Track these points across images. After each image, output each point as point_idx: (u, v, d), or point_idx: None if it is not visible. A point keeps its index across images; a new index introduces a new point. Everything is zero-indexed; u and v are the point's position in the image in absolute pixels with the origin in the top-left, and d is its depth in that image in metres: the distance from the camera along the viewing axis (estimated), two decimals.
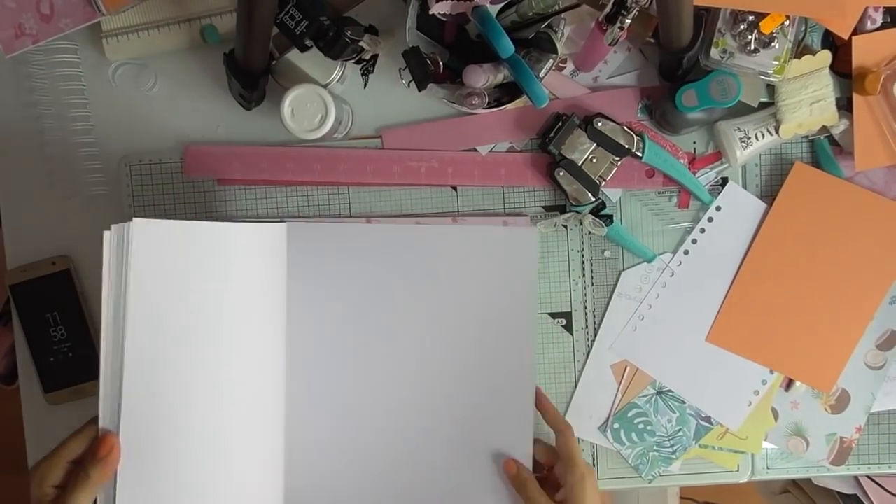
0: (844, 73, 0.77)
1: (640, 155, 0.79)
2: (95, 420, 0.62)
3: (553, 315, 0.83)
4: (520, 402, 0.77)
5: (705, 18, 0.74)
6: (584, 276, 0.83)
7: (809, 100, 0.76)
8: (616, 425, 0.83)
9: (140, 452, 0.63)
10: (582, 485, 0.71)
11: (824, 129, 0.78)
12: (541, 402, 0.77)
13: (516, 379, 0.77)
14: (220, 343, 0.69)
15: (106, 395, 0.62)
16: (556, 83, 0.80)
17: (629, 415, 0.83)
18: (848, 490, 0.95)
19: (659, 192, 0.82)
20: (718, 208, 0.81)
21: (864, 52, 0.75)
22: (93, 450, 0.61)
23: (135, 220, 0.62)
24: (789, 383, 0.82)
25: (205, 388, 0.68)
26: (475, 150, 0.82)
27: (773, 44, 0.73)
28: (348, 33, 0.71)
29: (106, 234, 0.62)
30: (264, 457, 0.74)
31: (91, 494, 0.60)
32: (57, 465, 0.60)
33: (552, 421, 0.76)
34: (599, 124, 0.78)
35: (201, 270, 0.67)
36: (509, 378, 0.77)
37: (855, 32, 0.75)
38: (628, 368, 0.83)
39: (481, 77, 0.73)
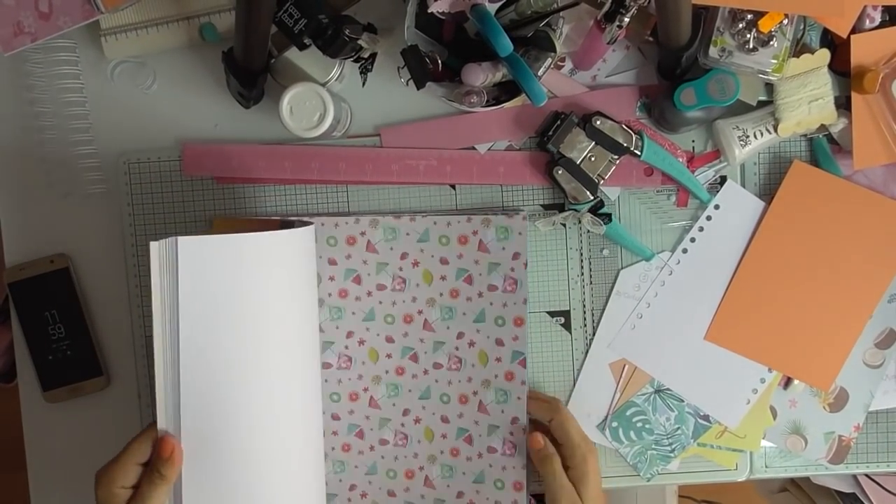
0: (843, 71, 0.77)
1: (639, 153, 0.79)
2: (154, 424, 0.67)
3: (551, 314, 0.83)
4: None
5: (704, 17, 0.74)
6: (582, 274, 0.83)
7: (808, 98, 0.76)
8: (614, 424, 0.83)
9: (200, 453, 0.67)
10: (584, 468, 0.76)
11: (823, 127, 0.78)
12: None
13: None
14: (263, 345, 0.71)
15: (163, 400, 0.66)
16: (555, 82, 0.80)
17: (628, 413, 0.83)
18: (846, 489, 0.95)
19: (657, 191, 0.82)
20: (717, 207, 0.81)
21: (862, 50, 0.75)
22: (158, 451, 0.66)
23: (180, 238, 0.65)
24: (788, 381, 0.82)
25: (252, 390, 0.70)
26: (474, 148, 0.82)
27: (771, 42, 0.73)
28: (347, 32, 0.71)
29: (153, 244, 0.64)
30: (310, 453, 0.77)
31: (165, 490, 0.66)
32: (124, 468, 0.65)
33: (538, 410, 0.80)
34: (598, 123, 0.78)
35: (242, 280, 0.69)
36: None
37: (854, 31, 0.75)
38: (627, 367, 0.83)
39: (480, 75, 0.73)
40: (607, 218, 0.80)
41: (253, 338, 0.70)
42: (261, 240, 0.70)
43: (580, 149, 0.79)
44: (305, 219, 0.81)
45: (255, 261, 0.70)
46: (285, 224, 0.80)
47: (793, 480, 1.10)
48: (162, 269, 0.65)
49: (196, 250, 0.66)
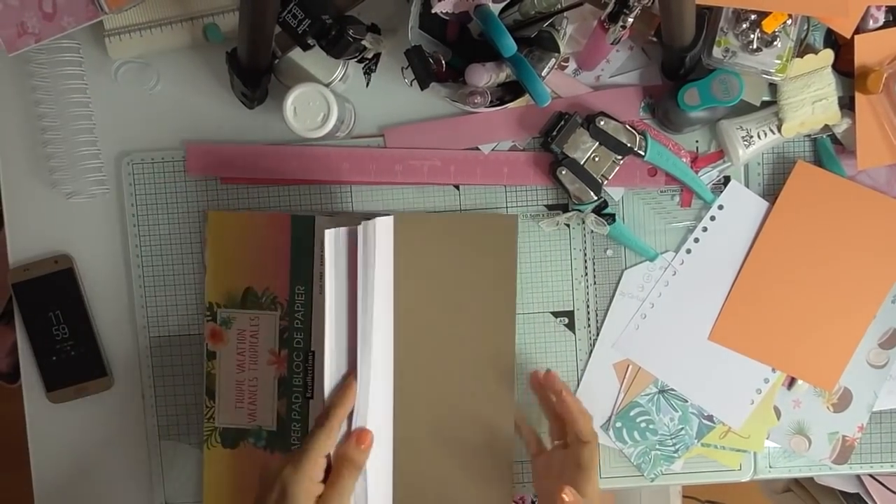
0: (847, 71, 0.77)
1: (643, 154, 0.79)
2: (327, 413, 0.67)
3: (555, 314, 0.83)
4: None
5: (707, 17, 0.74)
6: (586, 274, 0.83)
7: (812, 98, 0.76)
8: (618, 424, 0.83)
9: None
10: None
11: (826, 127, 0.78)
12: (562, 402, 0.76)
13: None
14: (391, 318, 0.77)
15: (361, 388, 0.69)
16: (559, 82, 0.80)
17: (631, 413, 0.83)
18: (850, 489, 0.95)
19: (661, 191, 0.82)
20: (721, 207, 0.81)
21: (866, 50, 0.75)
22: (356, 441, 0.68)
23: (378, 219, 0.70)
24: (791, 382, 0.82)
25: (387, 363, 0.77)
26: (478, 148, 0.82)
27: (775, 42, 0.73)
28: (351, 32, 0.71)
29: (360, 227, 0.69)
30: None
31: (356, 480, 0.67)
32: (316, 462, 0.65)
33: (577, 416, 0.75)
34: (602, 123, 0.78)
35: (374, 264, 0.72)
36: None
37: (857, 31, 0.75)
38: (630, 367, 0.83)
39: (484, 76, 0.73)
40: (611, 218, 0.80)
41: (387, 311, 0.76)
42: (387, 222, 0.76)
43: (584, 149, 0.79)
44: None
45: (386, 240, 0.76)
46: (295, 219, 0.81)
47: (797, 481, 1.10)
48: (365, 251, 0.69)
49: (383, 230, 0.72)
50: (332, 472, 0.66)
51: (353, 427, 0.69)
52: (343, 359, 0.69)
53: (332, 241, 0.69)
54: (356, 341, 0.69)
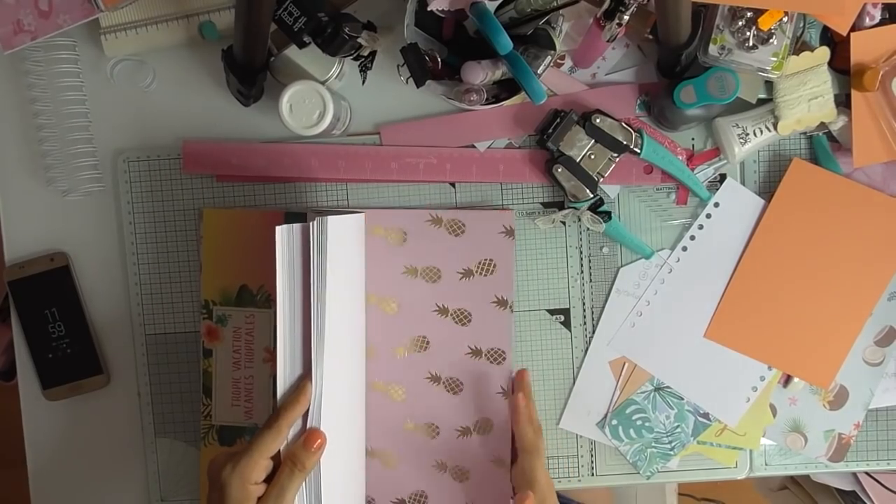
0: (843, 69, 0.77)
1: (639, 151, 0.79)
2: (276, 415, 0.65)
3: (551, 311, 0.83)
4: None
5: (703, 15, 0.74)
6: (582, 272, 0.83)
7: (808, 96, 0.76)
8: (614, 422, 0.83)
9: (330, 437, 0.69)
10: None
11: (823, 125, 0.78)
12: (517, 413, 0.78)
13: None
14: (356, 318, 0.76)
15: (316, 389, 0.67)
16: (555, 80, 0.80)
17: (627, 411, 0.83)
18: (846, 486, 0.95)
19: (657, 189, 0.82)
20: (717, 205, 0.81)
21: (862, 48, 0.75)
22: (304, 443, 0.66)
23: (329, 217, 0.66)
24: (787, 379, 0.82)
25: (350, 365, 0.76)
26: (473, 146, 0.82)
27: (771, 40, 0.73)
28: (346, 30, 0.71)
29: (314, 223, 0.66)
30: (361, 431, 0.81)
31: (302, 481, 0.65)
32: (258, 464, 0.64)
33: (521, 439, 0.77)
34: (598, 121, 0.78)
35: (341, 262, 0.72)
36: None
37: (853, 29, 0.75)
38: (626, 365, 0.83)
39: (479, 74, 0.73)
40: (607, 216, 0.80)
41: (351, 312, 0.75)
42: (355, 220, 0.76)
43: (580, 147, 0.79)
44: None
45: (355, 238, 0.76)
46: (289, 216, 0.81)
47: (793, 478, 1.10)
48: (314, 249, 0.66)
49: (336, 228, 0.68)
50: (278, 471, 0.65)
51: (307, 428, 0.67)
52: (298, 359, 0.68)
53: (285, 238, 0.66)
54: (311, 342, 0.67)
